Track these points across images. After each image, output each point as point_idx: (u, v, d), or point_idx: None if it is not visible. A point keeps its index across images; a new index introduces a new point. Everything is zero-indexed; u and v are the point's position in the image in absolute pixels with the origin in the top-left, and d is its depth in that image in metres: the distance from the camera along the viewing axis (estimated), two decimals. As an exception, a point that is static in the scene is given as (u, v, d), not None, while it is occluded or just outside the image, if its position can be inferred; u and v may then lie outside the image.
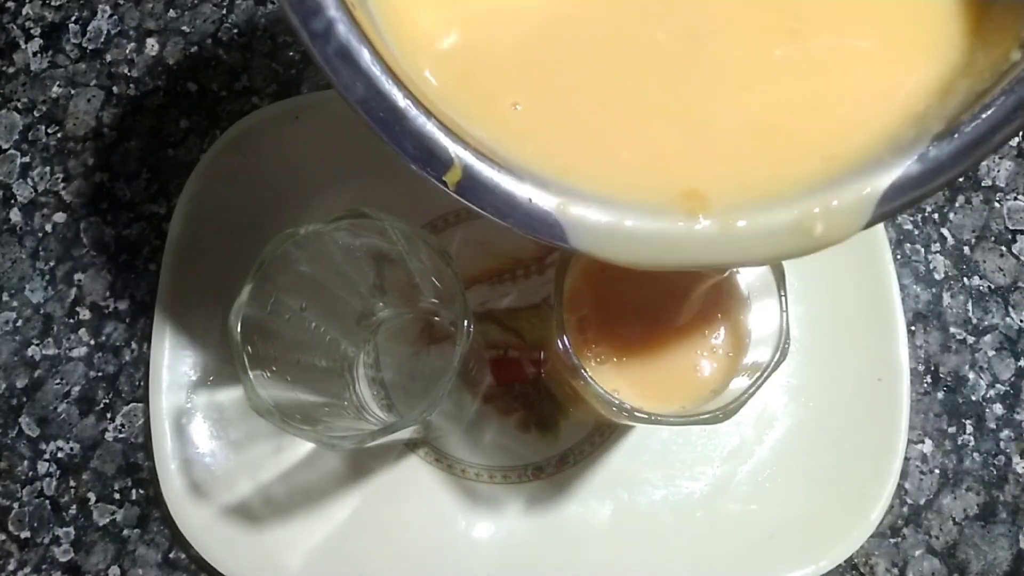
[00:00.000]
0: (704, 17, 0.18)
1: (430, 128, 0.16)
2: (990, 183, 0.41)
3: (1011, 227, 0.40)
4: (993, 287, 0.40)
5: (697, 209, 0.17)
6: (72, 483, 0.38)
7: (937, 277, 0.40)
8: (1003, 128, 0.16)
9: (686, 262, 0.18)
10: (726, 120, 0.18)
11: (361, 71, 0.16)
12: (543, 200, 0.17)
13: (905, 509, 0.37)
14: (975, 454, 0.38)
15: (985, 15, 0.18)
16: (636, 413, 0.25)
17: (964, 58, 0.18)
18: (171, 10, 0.43)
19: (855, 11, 0.19)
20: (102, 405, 0.39)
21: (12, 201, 0.41)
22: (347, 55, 0.16)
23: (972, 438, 0.38)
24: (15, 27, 0.43)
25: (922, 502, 0.37)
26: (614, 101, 0.18)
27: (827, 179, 0.17)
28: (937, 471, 0.38)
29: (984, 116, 0.16)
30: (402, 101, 0.16)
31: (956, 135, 0.16)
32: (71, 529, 0.37)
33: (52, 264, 0.40)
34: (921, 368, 0.39)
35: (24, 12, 0.44)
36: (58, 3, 0.44)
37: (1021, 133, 0.41)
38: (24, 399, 0.39)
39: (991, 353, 0.39)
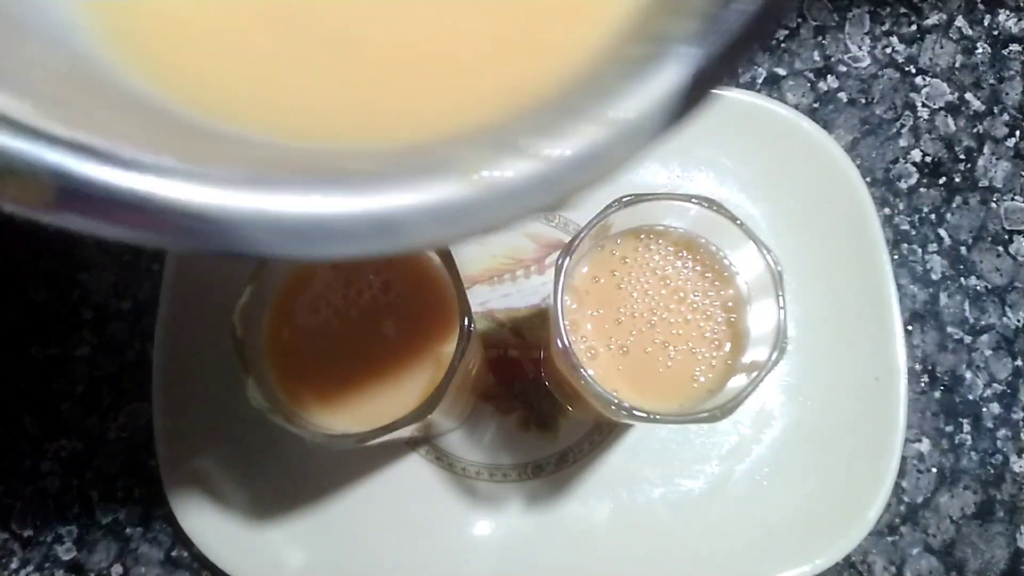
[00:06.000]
0: None
1: None
2: (987, 184, 0.41)
3: (1008, 227, 0.40)
4: (990, 287, 0.40)
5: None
6: (75, 482, 0.38)
7: (934, 277, 0.40)
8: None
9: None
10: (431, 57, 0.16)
11: None
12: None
13: (902, 508, 0.37)
14: (972, 453, 0.38)
15: None
16: (635, 412, 0.25)
17: None
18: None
19: None
20: (105, 404, 0.39)
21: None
22: None
23: (969, 437, 0.38)
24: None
25: (919, 501, 0.37)
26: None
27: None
28: (934, 470, 0.38)
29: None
30: None
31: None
32: (74, 527, 0.38)
33: (55, 264, 0.41)
34: (918, 367, 0.39)
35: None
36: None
37: (1018, 132, 0.42)
38: (27, 398, 0.39)
39: (988, 353, 0.39)
